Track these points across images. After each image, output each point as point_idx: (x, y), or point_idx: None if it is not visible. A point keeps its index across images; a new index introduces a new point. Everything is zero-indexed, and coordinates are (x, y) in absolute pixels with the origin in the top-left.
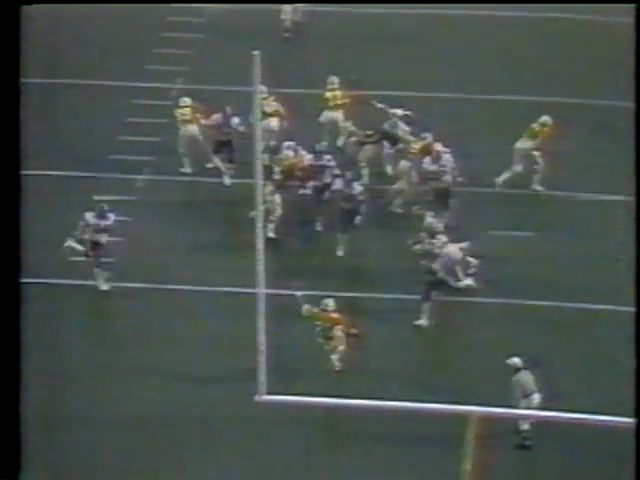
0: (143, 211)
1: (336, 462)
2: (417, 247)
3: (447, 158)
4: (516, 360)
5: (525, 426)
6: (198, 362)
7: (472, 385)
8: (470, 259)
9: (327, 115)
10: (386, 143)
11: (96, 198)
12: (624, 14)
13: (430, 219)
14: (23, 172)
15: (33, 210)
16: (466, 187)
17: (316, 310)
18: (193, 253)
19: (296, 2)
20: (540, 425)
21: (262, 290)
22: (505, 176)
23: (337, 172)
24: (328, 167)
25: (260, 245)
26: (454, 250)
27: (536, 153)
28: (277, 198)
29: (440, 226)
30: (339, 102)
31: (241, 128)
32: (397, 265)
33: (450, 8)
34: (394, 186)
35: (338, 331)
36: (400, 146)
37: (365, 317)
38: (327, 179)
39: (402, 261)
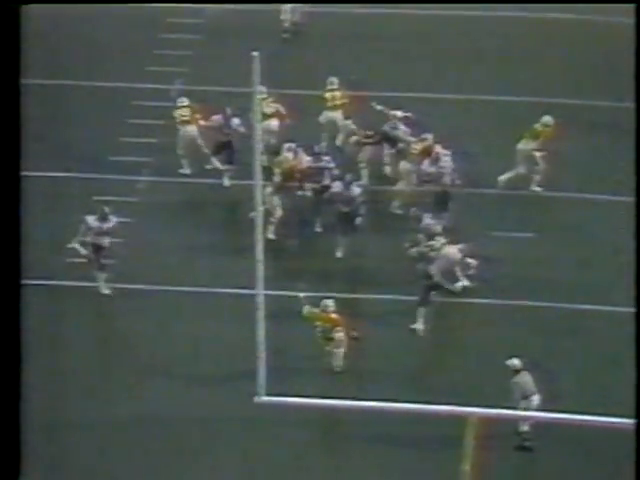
0: (143, 212)
1: (335, 463)
2: (413, 250)
3: (446, 160)
4: (515, 361)
5: (525, 427)
6: (198, 363)
7: (471, 386)
8: (469, 260)
9: (326, 115)
10: (386, 144)
11: (96, 199)
12: (624, 14)
13: (428, 220)
14: (23, 173)
15: (33, 211)
16: (465, 188)
17: (316, 311)
18: (192, 254)
19: (295, 2)
20: (540, 426)
21: (261, 291)
22: (508, 175)
23: (336, 173)
24: (327, 168)
25: (259, 246)
26: (453, 251)
27: (538, 154)
28: (276, 199)
29: (438, 228)
30: (338, 102)
31: (241, 129)
32: (396, 266)
33: (450, 8)
34: (395, 187)
35: (338, 332)
36: (401, 146)
37: (364, 318)
38: (326, 181)
39: (401, 262)
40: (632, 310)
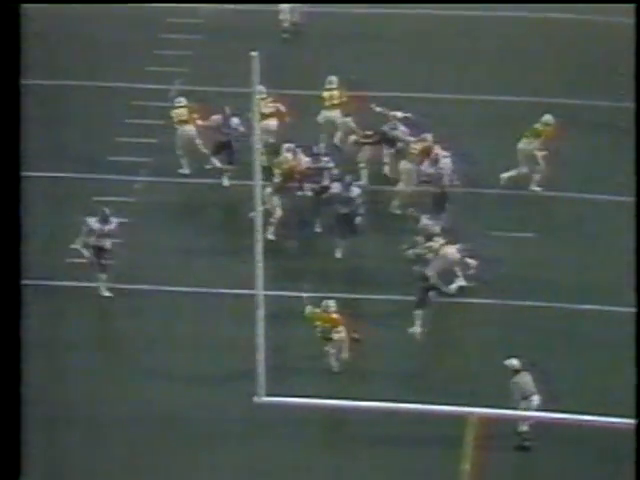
0: (142, 212)
1: (335, 463)
2: (410, 252)
3: (445, 162)
4: (515, 362)
5: (524, 427)
6: (197, 363)
7: (471, 386)
8: (469, 260)
9: (325, 115)
10: (385, 145)
11: (95, 199)
12: (624, 14)
13: (426, 221)
14: (23, 173)
15: (33, 211)
16: (465, 188)
17: (317, 311)
18: (191, 254)
19: (295, 2)
20: (539, 426)
21: (261, 292)
22: (510, 173)
23: (335, 173)
24: (326, 169)
25: (259, 246)
26: (452, 251)
27: (539, 153)
28: (276, 200)
29: (437, 228)
30: (336, 102)
31: (241, 128)
32: (396, 267)
33: (449, 8)
34: (397, 187)
35: (338, 332)
36: (400, 145)
37: (364, 318)
38: (325, 182)
39: (401, 263)
40: (632, 310)
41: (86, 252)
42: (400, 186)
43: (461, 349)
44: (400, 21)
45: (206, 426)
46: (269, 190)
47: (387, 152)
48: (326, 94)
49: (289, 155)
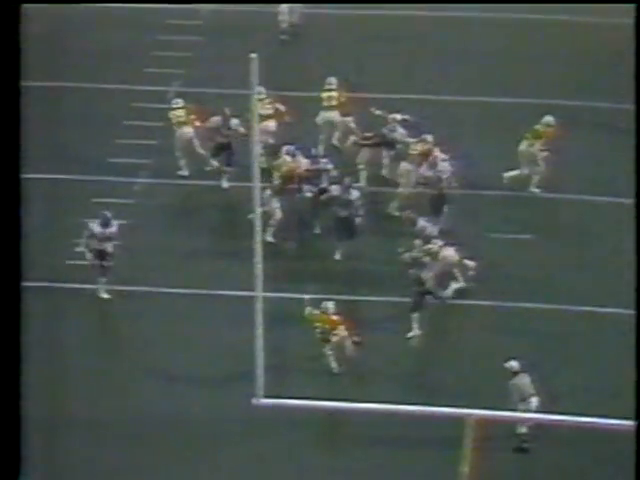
0: (141, 214)
1: (333, 465)
2: (406, 255)
3: (444, 165)
4: (514, 363)
5: (523, 429)
6: (196, 365)
7: (470, 388)
8: (468, 262)
9: (324, 116)
10: (384, 147)
11: (94, 201)
12: (624, 15)
13: (422, 223)
14: (23, 176)
15: (33, 213)
16: (463, 190)
17: (317, 312)
18: (191, 256)
19: (294, 2)
20: (538, 428)
21: (260, 293)
22: (513, 173)
23: (334, 175)
24: (325, 170)
25: (258, 248)
26: (451, 254)
27: (540, 155)
28: (275, 202)
29: (434, 230)
30: (334, 103)
31: (241, 129)
32: (395, 269)
33: (449, 10)
34: (396, 189)
35: (337, 334)
36: (399, 147)
37: (363, 320)
38: (324, 183)
39: (399, 265)
40: (632, 312)
41: (88, 255)
42: (399, 188)
43: (460, 351)
44: (399, 23)
45: (205, 427)
46: (268, 192)
47: (386, 154)
48: (325, 95)
49: (288, 157)
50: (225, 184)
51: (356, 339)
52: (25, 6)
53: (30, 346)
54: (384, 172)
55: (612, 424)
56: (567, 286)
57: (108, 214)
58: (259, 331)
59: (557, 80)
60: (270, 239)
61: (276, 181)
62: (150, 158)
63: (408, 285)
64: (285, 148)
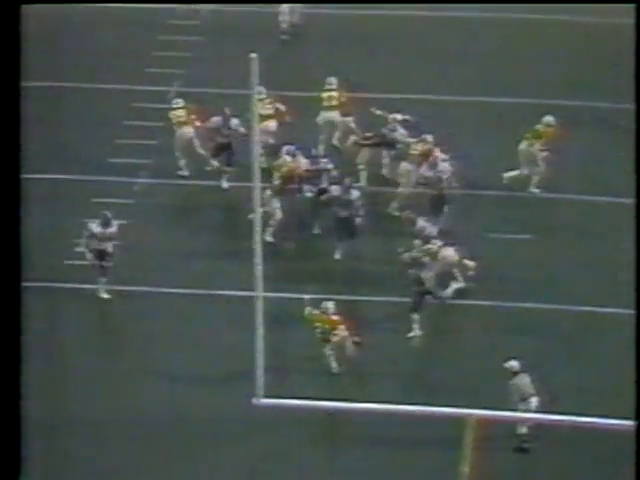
0: (141, 214)
1: (333, 465)
2: (405, 256)
3: (444, 166)
4: (514, 363)
5: (523, 429)
6: (196, 365)
7: (470, 388)
8: (467, 262)
9: (324, 116)
10: (384, 147)
11: (95, 201)
12: (624, 15)
13: (422, 223)
14: (23, 176)
15: (33, 213)
16: (463, 190)
17: (317, 312)
18: (190, 256)
19: (294, 2)
20: (538, 428)
21: (260, 293)
22: (513, 173)
23: (334, 175)
24: (325, 170)
25: (258, 248)
26: (451, 254)
27: (540, 155)
28: (276, 202)
29: (434, 230)
30: (334, 103)
31: (241, 129)
32: (395, 268)
33: (449, 10)
34: (397, 189)
35: (337, 334)
36: (399, 146)
37: (363, 320)
38: (325, 183)
39: (400, 264)
40: (632, 312)
41: (89, 255)
42: (400, 188)
43: (460, 351)
44: (400, 23)
45: (205, 427)
46: (268, 192)
47: (386, 154)
48: (325, 95)
49: (288, 157)
50: (225, 184)
51: (356, 339)
52: (25, 6)
53: (30, 346)
54: (384, 172)
55: (612, 424)
56: (567, 286)
57: (108, 214)
58: (259, 331)
59: (557, 80)
60: (270, 239)
61: (276, 181)
62: (150, 158)
63: (408, 285)
64: (285, 148)
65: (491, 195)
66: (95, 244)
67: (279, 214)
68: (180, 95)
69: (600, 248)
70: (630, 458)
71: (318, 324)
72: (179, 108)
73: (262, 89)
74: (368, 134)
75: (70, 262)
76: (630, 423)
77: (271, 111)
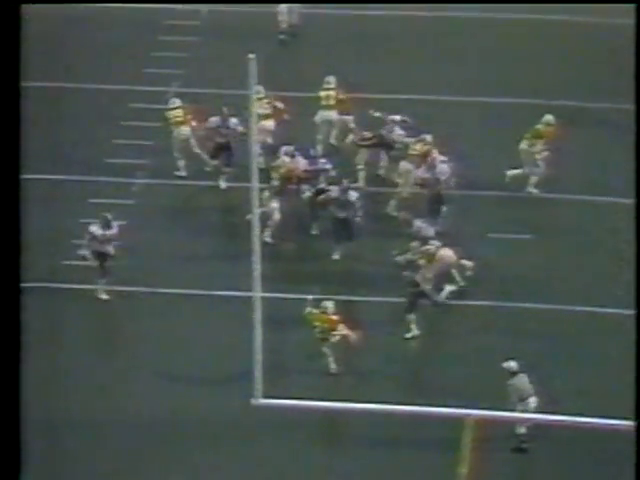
0: (139, 215)
1: (332, 465)
2: (400, 258)
3: (442, 167)
4: (512, 364)
5: (522, 429)
6: (195, 366)
7: (469, 388)
8: (466, 262)
9: (322, 115)
10: (383, 148)
11: (92, 202)
12: (624, 15)
13: (419, 224)
14: (22, 176)
15: (32, 214)
16: (462, 190)
17: (316, 312)
18: (189, 257)
19: (293, 2)
20: (537, 429)
21: (258, 294)
22: (516, 172)
23: (333, 175)
24: (324, 170)
25: (256, 248)
26: (449, 254)
27: (540, 155)
28: (274, 203)
29: (430, 231)
30: (332, 102)
31: (240, 128)
32: (393, 269)
33: (449, 10)
34: (395, 189)
35: (336, 334)
36: (398, 146)
37: (362, 320)
38: (323, 184)
39: (398, 264)
40: (631, 312)
41: (90, 257)
42: (399, 188)
43: (459, 351)
44: (398, 23)
45: (204, 428)
46: (267, 193)
47: (384, 155)
48: (323, 94)
49: (287, 158)
50: (223, 185)
51: (357, 340)
52: (25, 6)
53: (30, 346)
54: (381, 172)
55: (612, 424)
56: (567, 286)
57: (109, 216)
58: (258, 331)
59: (557, 80)
60: (268, 240)
61: (275, 182)
62: (148, 159)
63: (404, 286)
64: (284, 149)
65: (491, 195)
66: (96, 246)
67: (277, 215)
68: (178, 95)
69: (600, 248)
70: (630, 458)
71: (317, 324)
72: (176, 108)
73: (260, 88)
74: (367, 134)
75: (69, 262)
76: (630, 423)
77: (269, 111)
